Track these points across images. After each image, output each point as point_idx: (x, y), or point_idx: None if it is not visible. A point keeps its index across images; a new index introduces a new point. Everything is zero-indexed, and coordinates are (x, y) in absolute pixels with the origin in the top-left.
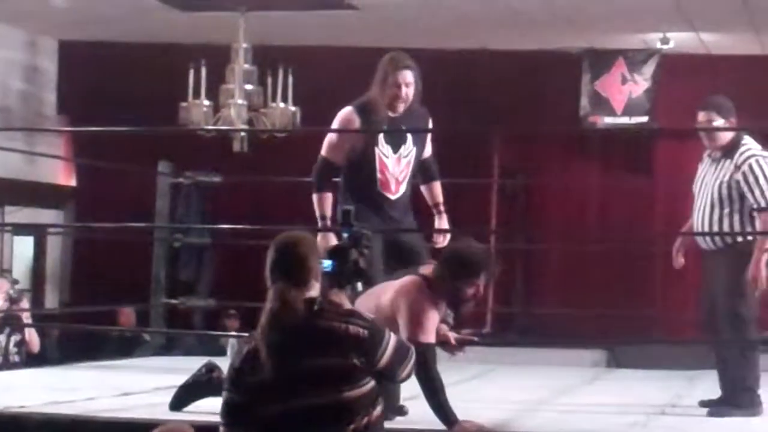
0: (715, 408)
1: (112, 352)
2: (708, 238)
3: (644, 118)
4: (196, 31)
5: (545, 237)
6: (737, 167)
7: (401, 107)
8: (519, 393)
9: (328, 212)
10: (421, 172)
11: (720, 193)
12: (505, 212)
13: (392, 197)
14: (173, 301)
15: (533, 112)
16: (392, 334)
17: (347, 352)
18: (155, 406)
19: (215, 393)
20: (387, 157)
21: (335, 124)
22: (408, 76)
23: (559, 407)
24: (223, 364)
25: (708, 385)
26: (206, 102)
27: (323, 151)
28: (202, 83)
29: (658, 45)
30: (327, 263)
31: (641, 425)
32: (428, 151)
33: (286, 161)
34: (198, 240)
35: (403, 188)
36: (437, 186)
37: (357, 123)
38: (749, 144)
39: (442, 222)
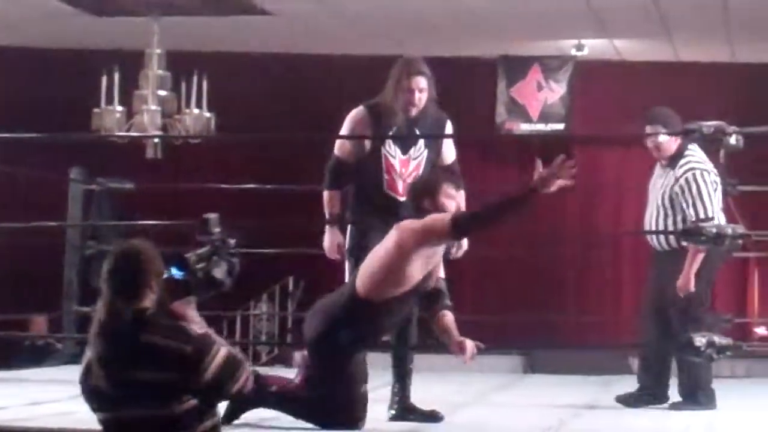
0: (678, 403)
1: (24, 362)
2: (656, 240)
3: (560, 125)
4: (110, 36)
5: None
6: (676, 179)
7: (414, 112)
8: (434, 399)
9: (338, 210)
10: None
11: (664, 202)
12: None
13: (400, 198)
14: (85, 309)
15: (449, 119)
16: (223, 349)
17: (168, 368)
18: (66, 414)
19: (264, 405)
20: (393, 157)
21: (346, 123)
22: (422, 82)
23: (475, 412)
24: None
25: (623, 389)
26: (119, 108)
27: (335, 150)
28: (115, 89)
29: (573, 52)
30: (176, 272)
31: (555, 429)
32: (450, 157)
33: (201, 167)
34: (110, 247)
35: None
36: (460, 195)
37: (367, 121)
38: (691, 155)
39: None
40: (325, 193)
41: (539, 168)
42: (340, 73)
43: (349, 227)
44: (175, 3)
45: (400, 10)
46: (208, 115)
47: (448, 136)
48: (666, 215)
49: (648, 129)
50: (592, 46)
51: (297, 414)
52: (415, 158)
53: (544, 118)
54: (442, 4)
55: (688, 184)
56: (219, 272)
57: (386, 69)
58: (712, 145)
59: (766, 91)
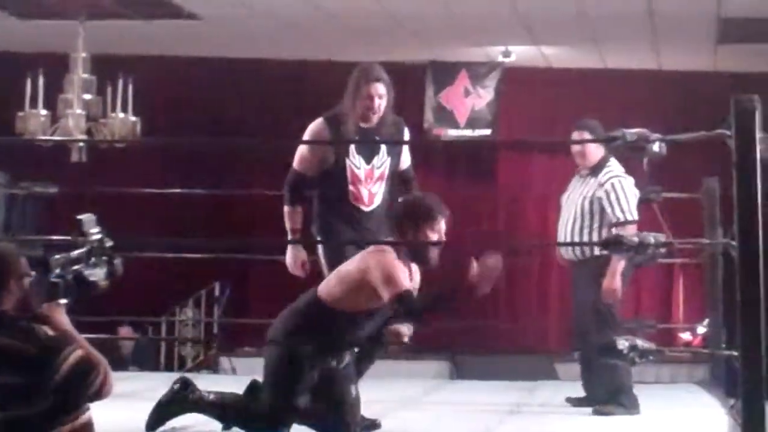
0: (601, 407)
1: None
2: (572, 250)
3: (487, 131)
4: (34, 39)
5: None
6: (601, 185)
7: (374, 119)
8: (362, 404)
9: (299, 226)
10: (401, 183)
11: (583, 208)
12: None
13: (366, 209)
14: None
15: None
16: (78, 351)
17: (12, 370)
18: None
19: (192, 409)
20: (358, 168)
21: (306, 136)
22: (380, 88)
23: (402, 417)
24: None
25: (547, 394)
26: (44, 111)
27: (294, 164)
28: (39, 92)
29: (500, 58)
30: (43, 274)
31: None
32: (406, 162)
33: (126, 172)
34: (32, 252)
35: (377, 200)
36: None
37: (327, 134)
38: (614, 166)
39: None
40: (286, 209)
41: (474, 269)
42: (269, 77)
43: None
44: (101, 6)
45: (328, 14)
46: (133, 119)
47: (403, 143)
48: (583, 224)
49: (575, 134)
50: (520, 53)
51: (231, 420)
52: (378, 167)
53: (472, 124)
54: (372, 10)
55: (613, 187)
56: (94, 274)
57: (316, 73)
58: (635, 152)
59: (691, 99)
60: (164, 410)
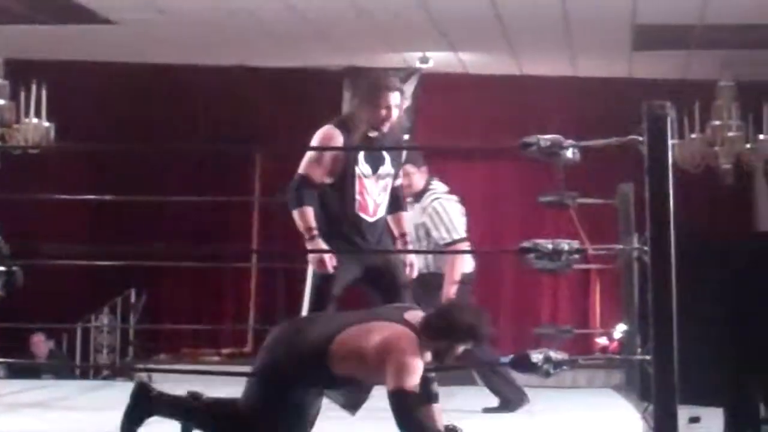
0: (490, 407)
1: None
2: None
3: (405, 136)
4: None
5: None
6: (423, 209)
7: (386, 128)
8: None
9: (314, 223)
10: (390, 200)
11: (416, 233)
12: (267, 230)
13: (370, 219)
14: None
15: (295, 130)
16: None
17: None
18: None
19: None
20: (366, 177)
21: (316, 142)
22: (397, 98)
23: (318, 426)
24: None
25: (465, 400)
26: None
27: (301, 168)
28: None
29: (418, 64)
30: None
31: None
32: (398, 180)
33: (41, 177)
34: None
35: (381, 211)
36: (404, 216)
37: (340, 140)
38: (435, 187)
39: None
40: (296, 211)
41: None
42: (185, 83)
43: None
44: (14, 11)
45: (245, 20)
46: (47, 124)
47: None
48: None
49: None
50: (437, 59)
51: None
52: (383, 178)
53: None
54: (289, 15)
55: (435, 210)
56: None
57: (232, 79)
58: (549, 158)
59: (607, 105)
60: (130, 418)
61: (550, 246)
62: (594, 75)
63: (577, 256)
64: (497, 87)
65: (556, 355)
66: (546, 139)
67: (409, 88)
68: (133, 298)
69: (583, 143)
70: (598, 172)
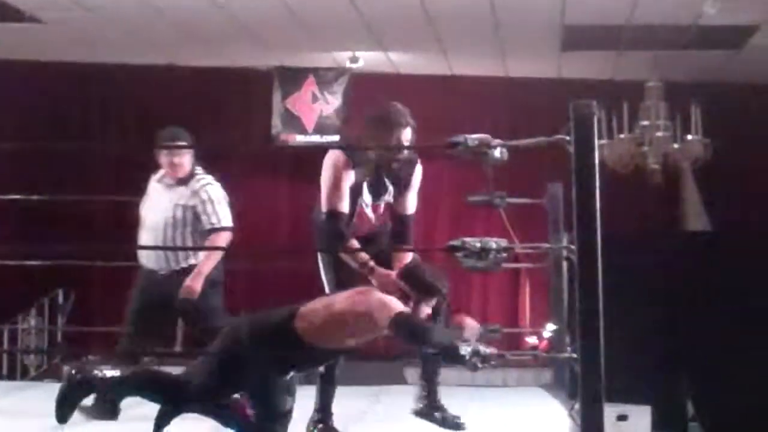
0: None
1: None
2: (168, 260)
3: (335, 137)
4: None
5: (233, 255)
6: (194, 192)
7: (397, 165)
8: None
9: (366, 256)
10: (394, 229)
11: (175, 216)
12: None
13: (364, 237)
14: None
15: (224, 130)
16: None
17: None
18: None
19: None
20: (367, 206)
21: (329, 169)
22: (409, 134)
23: None
24: None
25: (395, 399)
26: None
27: (332, 205)
28: None
29: (348, 64)
30: None
31: None
32: (411, 207)
33: None
34: None
35: (375, 227)
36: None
37: (350, 171)
38: (203, 174)
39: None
40: (348, 248)
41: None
42: (111, 82)
43: (322, 263)
44: None
45: (174, 19)
46: None
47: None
48: (176, 231)
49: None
50: (368, 59)
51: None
52: (381, 202)
53: (320, 129)
54: (217, 14)
55: (208, 195)
56: None
57: (161, 78)
58: (476, 157)
59: (537, 105)
60: (65, 398)
61: (478, 244)
62: (524, 75)
63: (505, 254)
64: (427, 87)
65: (484, 349)
66: (474, 138)
67: (339, 88)
68: (61, 299)
69: (511, 143)
70: (530, 172)
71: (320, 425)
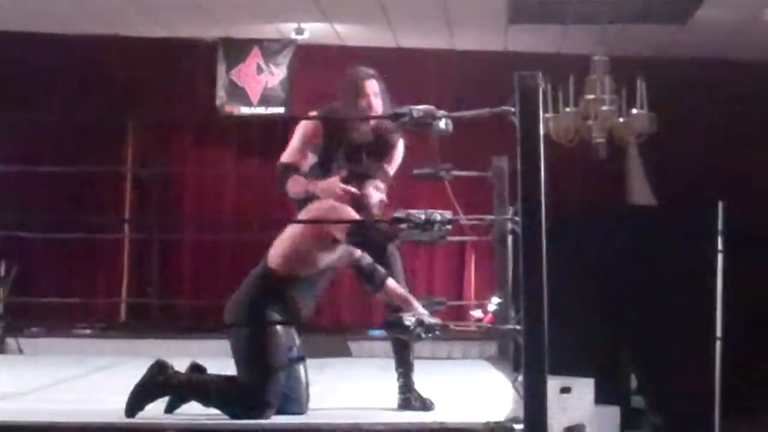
0: None
1: None
2: None
3: (280, 108)
4: None
5: (180, 226)
6: None
7: (371, 126)
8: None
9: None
10: None
11: None
12: (140, 201)
13: None
14: None
15: (168, 101)
16: None
17: None
18: None
19: (172, 392)
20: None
21: (301, 131)
22: (374, 85)
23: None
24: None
25: (340, 371)
26: None
27: (285, 158)
28: None
29: (293, 35)
30: None
31: None
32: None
33: None
34: None
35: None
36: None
37: (320, 134)
38: None
39: None
40: (289, 184)
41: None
42: (54, 52)
43: None
44: None
45: None
46: None
47: None
48: None
49: None
50: (313, 30)
51: (215, 403)
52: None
53: (265, 101)
54: None
55: None
56: None
57: (105, 48)
58: (421, 128)
59: (484, 78)
60: (142, 394)
61: (422, 216)
62: (470, 48)
63: (449, 227)
64: (373, 59)
65: (428, 319)
66: (418, 109)
67: (285, 59)
68: (2, 271)
69: (455, 114)
70: (476, 146)
71: None
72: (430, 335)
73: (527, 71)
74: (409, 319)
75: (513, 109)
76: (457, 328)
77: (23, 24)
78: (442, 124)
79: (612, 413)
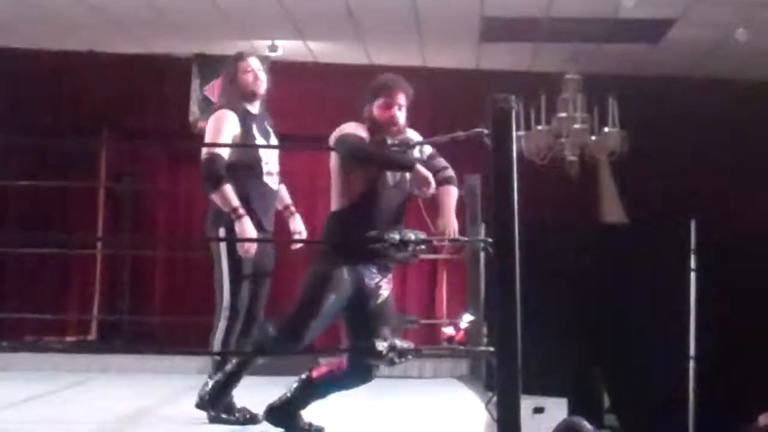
0: None
1: None
2: None
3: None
4: None
5: (152, 243)
6: None
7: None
8: (117, 402)
9: (236, 202)
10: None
11: None
12: (113, 217)
13: (274, 188)
14: None
15: (141, 117)
16: None
17: None
18: None
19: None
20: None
21: (214, 123)
22: (256, 62)
23: (161, 414)
24: None
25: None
26: None
27: (212, 152)
28: None
29: (267, 52)
30: None
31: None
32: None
33: None
34: None
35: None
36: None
37: (233, 117)
38: None
39: (296, 222)
40: (218, 190)
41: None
42: (26, 68)
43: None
44: None
45: (94, 5)
46: None
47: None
48: None
49: None
50: (286, 47)
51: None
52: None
53: None
54: (137, 1)
55: None
56: None
57: (80, 65)
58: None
59: (456, 96)
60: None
61: (397, 236)
62: (442, 66)
63: (423, 246)
64: (346, 76)
65: (401, 343)
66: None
67: None
68: None
69: (430, 140)
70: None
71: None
72: (402, 360)
73: (499, 89)
74: (381, 345)
75: (486, 131)
76: (431, 352)
77: None
78: (416, 152)
79: None
